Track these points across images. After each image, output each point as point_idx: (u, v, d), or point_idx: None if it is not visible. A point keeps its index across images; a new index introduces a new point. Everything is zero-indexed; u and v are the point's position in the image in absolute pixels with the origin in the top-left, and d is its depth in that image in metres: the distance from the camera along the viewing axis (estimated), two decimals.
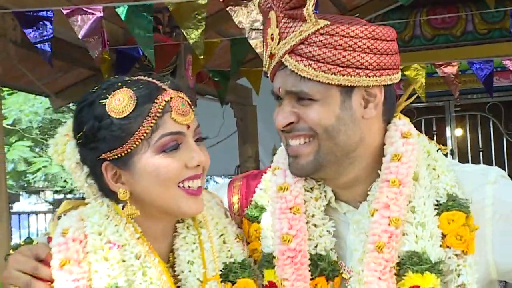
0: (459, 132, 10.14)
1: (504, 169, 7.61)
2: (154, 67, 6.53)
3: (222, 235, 2.10)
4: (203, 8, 4.21)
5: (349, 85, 1.93)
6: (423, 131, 7.80)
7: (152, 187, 1.97)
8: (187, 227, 2.07)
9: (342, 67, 1.91)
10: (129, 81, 2.01)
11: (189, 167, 1.96)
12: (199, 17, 4.20)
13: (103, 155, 1.97)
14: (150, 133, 1.93)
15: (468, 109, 9.98)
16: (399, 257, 1.94)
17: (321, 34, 1.91)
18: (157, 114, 1.93)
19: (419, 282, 1.89)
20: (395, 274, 1.93)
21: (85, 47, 4.57)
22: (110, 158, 1.97)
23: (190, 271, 2.02)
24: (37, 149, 19.56)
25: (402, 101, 2.12)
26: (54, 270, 1.93)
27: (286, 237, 2.01)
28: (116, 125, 1.94)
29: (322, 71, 1.91)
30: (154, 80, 2.01)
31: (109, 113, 1.95)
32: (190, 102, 2.01)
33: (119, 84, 2.00)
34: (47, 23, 4.45)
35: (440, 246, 1.94)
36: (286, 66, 1.96)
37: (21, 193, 22.81)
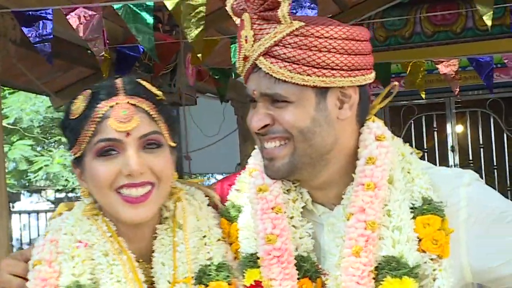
0: (459, 128, 10.14)
1: (505, 165, 7.64)
2: (154, 66, 6.55)
3: (204, 236, 2.10)
4: (203, 7, 4.20)
5: (324, 86, 1.92)
6: (424, 128, 7.80)
7: (93, 190, 2.02)
8: (166, 229, 2.08)
9: (317, 68, 1.90)
10: (100, 83, 2.05)
11: (125, 175, 1.96)
12: (199, 16, 4.19)
13: (70, 153, 2.04)
14: (92, 136, 1.96)
15: (468, 106, 9.98)
16: (376, 261, 1.93)
17: (296, 36, 1.90)
18: (97, 119, 1.96)
19: (398, 287, 1.88)
20: (373, 278, 1.92)
21: (85, 46, 4.58)
22: (74, 157, 2.04)
23: (161, 272, 2.04)
24: (38, 148, 19.55)
25: (376, 103, 2.11)
26: (29, 271, 2.00)
27: (270, 237, 2.00)
28: (70, 125, 2.01)
29: (297, 73, 1.90)
30: (117, 83, 2.02)
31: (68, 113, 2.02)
32: (148, 110, 2.00)
33: (95, 85, 2.05)
34: (47, 22, 4.45)
35: (417, 250, 1.92)
36: (261, 68, 1.94)
37: (22, 192, 22.81)
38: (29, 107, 17.89)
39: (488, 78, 6.63)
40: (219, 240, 2.11)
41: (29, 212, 17.34)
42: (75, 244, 2.01)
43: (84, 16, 4.35)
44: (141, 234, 2.07)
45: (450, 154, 9.81)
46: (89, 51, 4.85)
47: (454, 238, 1.96)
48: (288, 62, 1.90)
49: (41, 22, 4.44)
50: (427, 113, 9.99)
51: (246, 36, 1.96)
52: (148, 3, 4.31)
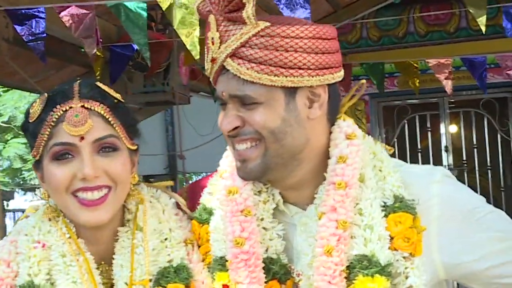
0: (453, 128, 10.14)
1: (499, 166, 7.65)
2: (149, 65, 6.55)
3: (166, 239, 2.10)
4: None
5: (292, 86, 1.92)
6: (417, 128, 7.80)
7: (51, 193, 2.05)
8: (127, 231, 2.09)
9: (285, 68, 1.90)
10: (59, 86, 2.07)
11: (80, 179, 1.97)
12: (193, 17, 4.19)
13: (31, 155, 2.06)
14: (47, 140, 1.98)
15: (462, 106, 9.97)
16: (348, 260, 1.93)
17: (262, 36, 1.90)
18: (51, 123, 1.98)
19: (370, 285, 1.88)
20: (345, 277, 1.92)
21: (78, 45, 4.58)
22: (34, 160, 2.06)
23: (120, 274, 2.05)
24: None
25: (345, 102, 2.11)
26: None
27: (238, 240, 1.99)
28: (29, 128, 2.04)
29: (264, 73, 1.90)
30: (74, 86, 2.03)
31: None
32: (103, 113, 2.00)
33: (54, 88, 2.07)
34: (40, 20, 4.44)
35: (389, 248, 1.93)
36: (228, 70, 1.94)
37: (16, 190, 22.79)
38: (23, 105, 17.86)
39: (482, 78, 6.66)
40: (180, 242, 2.11)
41: (23, 211, 17.29)
42: (33, 245, 2.03)
43: (77, 15, 4.34)
44: (101, 236, 2.08)
45: (444, 154, 9.81)
46: (82, 50, 4.85)
47: (426, 235, 1.97)
48: (255, 63, 1.90)
49: (34, 20, 4.43)
50: (420, 113, 9.98)
51: (212, 38, 1.95)
52: (141, 1, 4.31)
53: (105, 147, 2.00)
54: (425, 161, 9.68)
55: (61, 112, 1.98)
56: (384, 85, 7.53)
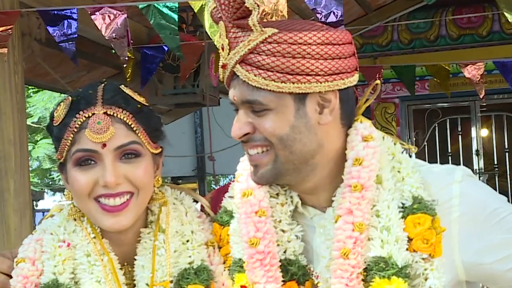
0: (484, 132, 10.07)
1: None
2: (181, 68, 6.56)
3: (188, 240, 2.11)
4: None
5: (300, 92, 1.92)
6: (448, 132, 7.73)
7: (74, 197, 2.06)
8: (149, 233, 2.10)
9: (292, 74, 1.90)
10: (84, 88, 2.08)
11: (102, 185, 1.98)
12: None
13: (56, 157, 2.08)
14: (70, 145, 1.99)
15: (494, 109, 9.90)
16: (365, 262, 1.91)
17: (269, 43, 1.89)
18: (74, 129, 1.98)
19: (387, 287, 1.86)
20: (362, 280, 1.91)
21: (109, 46, 4.58)
22: (59, 162, 2.08)
23: (141, 275, 2.06)
24: None
25: (361, 104, 2.09)
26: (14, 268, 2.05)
27: (253, 240, 1.99)
28: (54, 131, 2.05)
29: (272, 80, 1.90)
30: (97, 91, 2.03)
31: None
32: (126, 120, 2.00)
33: (77, 91, 2.08)
34: (72, 21, 4.46)
35: (407, 249, 1.91)
36: (238, 76, 1.94)
37: (46, 190, 22.94)
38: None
39: None
40: (202, 244, 2.11)
41: None
42: (58, 244, 2.05)
43: (108, 16, 4.35)
44: (125, 238, 2.09)
45: (474, 158, 9.74)
46: (113, 51, 4.85)
47: (447, 236, 1.94)
48: (263, 69, 1.90)
49: (66, 21, 4.45)
50: (451, 117, 9.92)
51: (222, 44, 1.97)
52: (172, 3, 4.31)
53: (127, 154, 2.00)
54: (455, 165, 9.59)
55: (84, 118, 1.98)
56: (415, 88, 7.48)
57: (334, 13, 3.92)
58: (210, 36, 4.24)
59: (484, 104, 9.54)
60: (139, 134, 2.01)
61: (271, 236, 2.01)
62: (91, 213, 2.03)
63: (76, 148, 1.99)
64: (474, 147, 9.74)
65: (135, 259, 2.08)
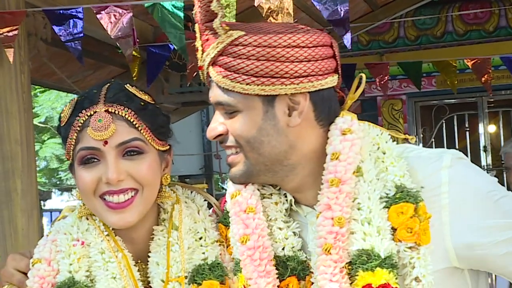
0: (492, 128, 10.03)
1: None
2: (186, 65, 6.55)
3: (201, 238, 2.13)
4: (233, 6, 4.19)
5: (266, 94, 1.94)
6: (455, 128, 7.69)
7: (81, 195, 2.10)
8: (162, 230, 2.13)
9: (257, 77, 1.92)
10: (90, 88, 2.11)
11: (105, 182, 2.01)
12: (229, 15, 4.18)
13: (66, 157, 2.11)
14: (75, 144, 2.03)
15: (501, 105, 9.88)
16: (350, 256, 1.92)
17: (236, 45, 1.93)
18: (78, 128, 2.02)
19: (371, 279, 1.86)
20: (348, 273, 1.92)
21: (115, 45, 4.58)
22: (68, 162, 2.12)
23: (156, 272, 2.08)
24: None
25: (349, 98, 2.09)
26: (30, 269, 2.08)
27: (243, 238, 2.02)
28: (61, 132, 2.09)
29: (238, 82, 1.93)
30: (101, 90, 2.06)
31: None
32: (128, 117, 2.02)
33: (86, 90, 2.12)
34: (78, 21, 4.46)
35: (393, 239, 1.91)
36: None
37: (53, 190, 22.98)
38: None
39: None
40: (215, 242, 2.13)
41: (60, 211, 17.38)
42: (72, 242, 2.07)
43: (114, 15, 4.35)
44: (136, 237, 2.12)
45: (482, 154, 9.70)
46: (119, 50, 4.85)
47: (438, 223, 1.94)
48: (230, 71, 1.94)
49: (71, 20, 4.45)
50: (459, 113, 9.89)
51: (197, 47, 2.01)
52: (178, 1, 4.30)
53: (130, 151, 2.02)
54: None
55: (86, 117, 2.01)
56: (421, 85, 7.46)
57: (340, 10, 3.90)
58: None
59: (492, 100, 9.52)
60: (142, 131, 2.03)
61: (260, 231, 2.03)
62: (97, 210, 2.05)
63: (80, 146, 2.02)
64: (482, 143, 9.70)
65: (148, 256, 2.10)
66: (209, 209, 2.24)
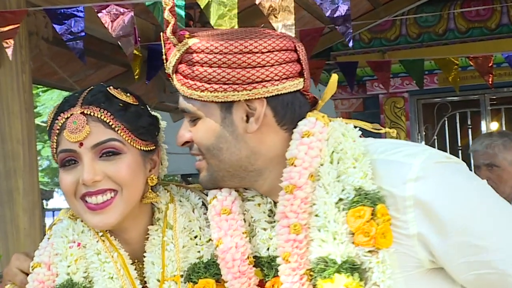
0: (494, 126, 10.02)
1: None
2: None
3: (196, 236, 2.13)
4: (235, 4, 4.18)
5: (221, 101, 1.94)
6: (458, 125, 7.68)
7: (64, 197, 2.10)
8: (157, 230, 2.13)
9: (210, 84, 1.93)
10: (73, 92, 2.13)
11: (82, 184, 2.01)
12: (231, 14, 4.17)
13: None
14: (56, 147, 2.05)
15: (503, 103, 9.86)
16: (310, 264, 1.89)
17: (190, 53, 1.95)
18: (57, 131, 2.04)
19: (331, 287, 1.83)
20: (310, 281, 1.89)
21: (117, 44, 4.58)
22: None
23: (151, 271, 2.09)
24: None
25: (322, 100, 2.06)
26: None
27: (217, 242, 2.02)
28: (49, 134, 2.10)
29: (194, 89, 1.95)
30: (82, 93, 2.07)
31: None
32: (103, 118, 2.02)
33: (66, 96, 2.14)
34: (79, 20, 4.45)
35: (353, 243, 1.85)
36: None
37: (55, 190, 22.99)
38: None
39: None
40: (210, 240, 2.12)
41: None
42: (69, 245, 2.08)
43: (115, 14, 4.34)
44: (129, 237, 2.13)
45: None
46: (121, 49, 4.85)
47: (405, 229, 1.86)
48: (187, 79, 1.96)
49: (73, 19, 4.44)
50: (461, 110, 9.88)
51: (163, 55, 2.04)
52: (179, 0, 4.29)
53: (106, 152, 2.03)
54: (466, 159, 9.52)
55: (64, 120, 2.03)
56: (423, 82, 7.45)
57: (341, 8, 3.89)
58: None
59: (494, 97, 9.51)
60: (119, 132, 2.03)
61: (232, 231, 2.02)
62: (79, 212, 2.06)
63: (59, 149, 2.04)
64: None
65: (144, 256, 2.11)
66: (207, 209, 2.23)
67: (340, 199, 1.89)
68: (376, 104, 9.48)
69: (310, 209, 1.92)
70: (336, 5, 3.92)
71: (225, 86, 1.92)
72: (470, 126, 9.90)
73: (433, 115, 9.96)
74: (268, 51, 1.94)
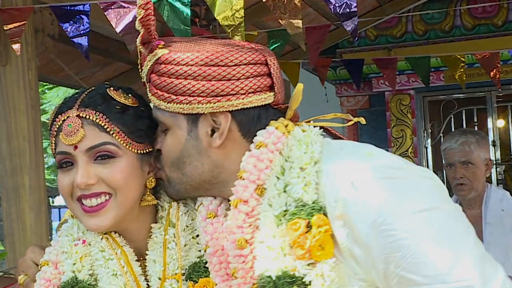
0: (501, 123, 10.01)
1: None
2: None
3: (198, 235, 2.12)
4: (241, 1, 4.18)
5: (186, 113, 1.94)
6: (464, 123, 7.68)
7: (62, 198, 2.11)
8: (159, 228, 2.13)
9: (176, 95, 1.93)
10: (73, 94, 2.13)
11: (75, 186, 2.02)
12: (237, 11, 4.16)
13: None
14: (54, 149, 2.06)
15: (510, 100, 9.85)
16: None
17: (159, 64, 1.95)
18: (54, 133, 2.05)
19: None
20: None
21: (122, 41, 4.58)
22: None
23: (153, 270, 2.10)
24: None
25: (290, 109, 2.01)
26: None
27: (205, 247, 2.02)
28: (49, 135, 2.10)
29: (161, 100, 1.96)
30: (81, 95, 2.07)
31: None
32: (98, 121, 2.01)
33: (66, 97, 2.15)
34: (84, 17, 4.46)
35: (293, 257, 1.79)
36: None
37: None
38: None
39: None
40: None
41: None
42: (74, 242, 2.09)
43: (121, 11, 4.34)
44: (130, 236, 2.13)
45: (491, 149, 9.67)
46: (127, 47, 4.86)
47: (346, 234, 1.77)
48: (157, 89, 1.97)
49: (78, 17, 4.45)
50: (467, 108, 9.87)
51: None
52: None
53: (101, 155, 2.02)
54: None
55: (61, 122, 2.03)
56: (429, 80, 7.44)
57: (347, 4, 3.88)
58: (224, 30, 4.22)
59: (500, 94, 9.49)
60: (114, 135, 2.02)
61: (217, 234, 1.99)
62: (76, 213, 2.07)
63: (56, 151, 2.05)
64: (491, 138, 9.66)
65: (146, 254, 2.12)
66: None
67: (286, 211, 1.83)
68: (382, 101, 9.46)
69: (256, 223, 1.89)
70: (343, 2, 3.92)
71: (190, 98, 1.92)
72: (477, 124, 9.89)
73: (439, 112, 9.95)
74: (235, 65, 1.93)
